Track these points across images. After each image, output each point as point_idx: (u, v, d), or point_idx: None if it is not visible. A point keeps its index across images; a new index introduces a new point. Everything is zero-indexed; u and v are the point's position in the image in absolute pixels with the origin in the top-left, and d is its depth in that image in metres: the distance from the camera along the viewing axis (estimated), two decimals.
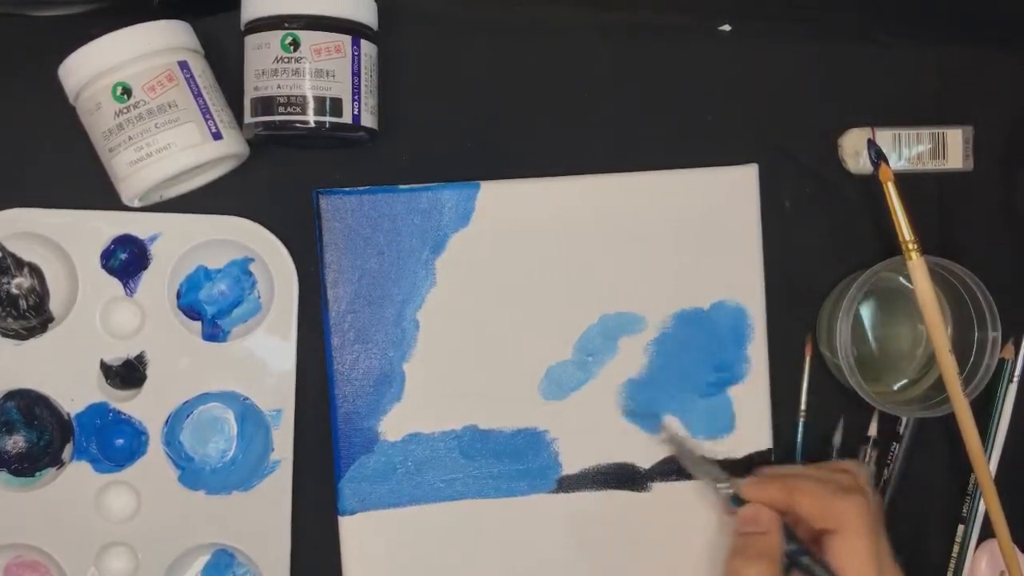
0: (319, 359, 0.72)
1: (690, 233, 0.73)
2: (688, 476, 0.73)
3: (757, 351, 0.74)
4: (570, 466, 0.73)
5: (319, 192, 0.71)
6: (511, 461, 0.73)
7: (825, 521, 0.65)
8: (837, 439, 0.75)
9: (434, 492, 0.73)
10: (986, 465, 0.72)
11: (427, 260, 0.72)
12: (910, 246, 0.70)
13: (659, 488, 0.74)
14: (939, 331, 0.70)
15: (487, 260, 0.73)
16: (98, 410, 0.71)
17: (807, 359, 0.75)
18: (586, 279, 0.73)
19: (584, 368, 0.73)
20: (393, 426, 0.72)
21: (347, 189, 0.72)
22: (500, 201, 0.73)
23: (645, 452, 0.74)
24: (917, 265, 0.70)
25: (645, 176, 0.73)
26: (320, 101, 0.67)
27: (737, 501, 0.68)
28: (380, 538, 0.73)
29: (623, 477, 0.74)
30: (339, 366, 0.72)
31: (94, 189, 0.70)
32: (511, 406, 0.73)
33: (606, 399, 0.74)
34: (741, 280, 0.74)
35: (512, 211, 0.73)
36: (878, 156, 0.71)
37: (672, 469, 0.74)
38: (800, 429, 0.75)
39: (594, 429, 0.73)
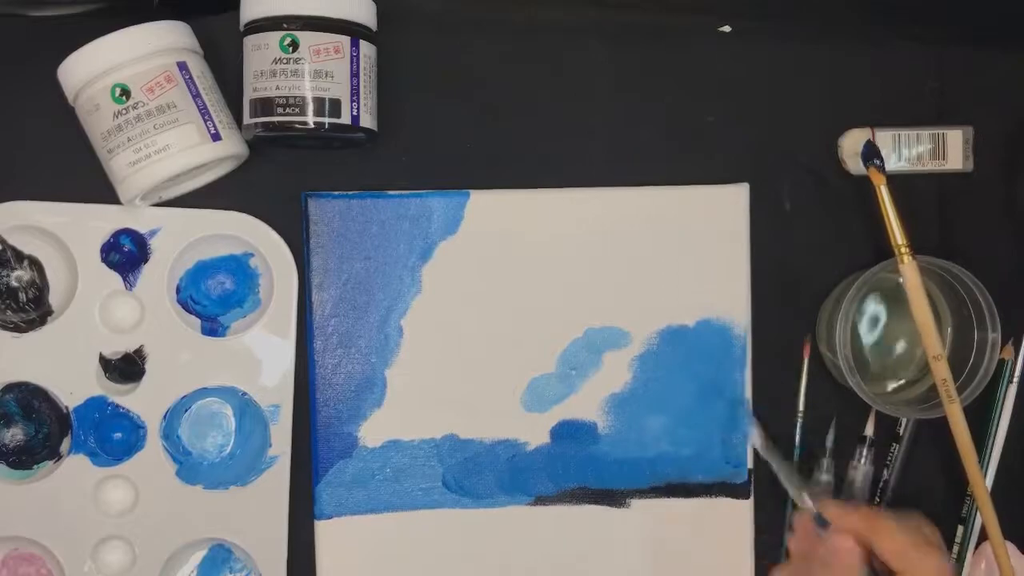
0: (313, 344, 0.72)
1: (678, 250, 0.73)
2: (668, 494, 0.74)
3: (741, 370, 0.74)
4: (549, 480, 0.73)
5: (307, 195, 0.71)
6: (490, 472, 0.73)
7: (902, 570, 0.65)
8: (830, 440, 0.75)
9: (411, 500, 0.73)
10: (978, 467, 0.71)
11: (414, 267, 0.72)
12: (902, 249, 0.70)
13: (637, 504, 0.74)
14: (930, 334, 0.70)
15: (474, 269, 0.73)
16: (97, 404, 0.71)
17: (805, 360, 0.75)
18: (573, 292, 0.73)
19: (567, 381, 0.73)
20: (373, 432, 0.72)
21: (336, 193, 0.72)
22: (489, 211, 0.72)
23: (624, 469, 0.74)
24: (909, 268, 0.70)
25: (635, 192, 0.73)
26: (319, 102, 0.67)
27: (821, 520, 0.68)
28: (356, 544, 0.73)
29: (601, 493, 0.74)
30: (321, 370, 0.72)
31: (94, 186, 0.70)
32: (492, 417, 0.73)
33: (588, 414, 0.73)
34: (728, 299, 0.74)
35: (501, 221, 0.73)
36: (870, 158, 0.71)
37: (651, 487, 0.74)
38: (798, 429, 0.75)
39: (575, 443, 0.73)
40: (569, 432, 0.73)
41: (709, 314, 0.73)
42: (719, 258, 0.73)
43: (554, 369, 0.73)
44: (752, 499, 0.74)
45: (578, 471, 0.73)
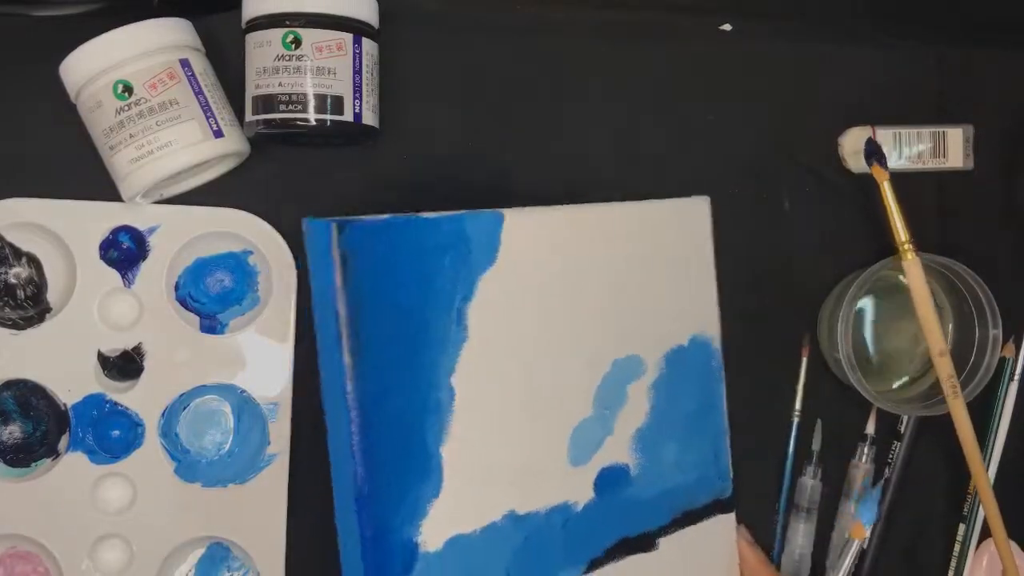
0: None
1: (664, 266, 0.70)
2: (683, 524, 0.71)
3: (720, 383, 0.72)
4: (598, 539, 0.68)
5: (329, 223, 0.58)
6: (548, 547, 0.66)
7: None
8: (816, 443, 0.75)
9: None
10: (982, 464, 0.71)
11: (458, 310, 0.62)
12: (906, 246, 0.70)
13: (665, 543, 0.70)
14: (933, 331, 0.70)
15: (516, 305, 0.64)
16: (95, 401, 0.71)
17: (804, 360, 0.75)
18: (597, 321, 0.67)
19: (603, 423, 0.67)
20: (433, 531, 0.61)
21: (364, 219, 0.60)
22: (522, 234, 0.64)
23: (648, 508, 0.70)
24: (912, 265, 0.70)
25: (609, 208, 0.68)
26: (321, 99, 0.67)
27: None
28: None
29: (637, 541, 0.69)
30: (364, 459, 0.59)
31: (93, 183, 0.70)
32: (544, 480, 0.65)
33: (622, 456, 0.68)
34: (705, 313, 0.71)
35: (535, 246, 0.65)
36: (873, 155, 0.71)
37: (672, 520, 0.70)
38: (794, 429, 0.75)
39: (614, 492, 0.68)
40: (609, 481, 0.68)
41: (696, 330, 0.71)
42: (692, 272, 0.71)
43: (591, 411, 0.67)
44: (735, 511, 0.73)
45: (619, 522, 0.68)
